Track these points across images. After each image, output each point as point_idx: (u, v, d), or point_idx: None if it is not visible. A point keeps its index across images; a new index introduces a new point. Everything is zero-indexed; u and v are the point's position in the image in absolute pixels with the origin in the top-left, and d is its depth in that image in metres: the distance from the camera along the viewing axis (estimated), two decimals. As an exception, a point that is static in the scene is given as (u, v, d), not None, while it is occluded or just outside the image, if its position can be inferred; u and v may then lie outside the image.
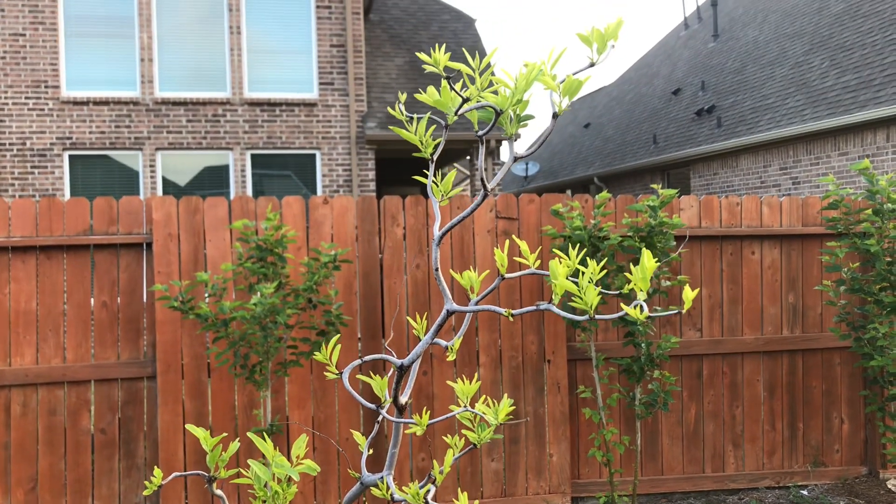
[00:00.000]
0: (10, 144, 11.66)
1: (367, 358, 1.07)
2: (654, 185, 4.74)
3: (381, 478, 0.99)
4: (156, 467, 1.10)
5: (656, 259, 4.56)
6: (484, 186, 1.01)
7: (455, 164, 19.25)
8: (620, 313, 0.91)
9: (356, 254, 5.25)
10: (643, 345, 4.54)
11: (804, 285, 5.81)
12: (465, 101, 0.99)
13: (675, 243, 4.64)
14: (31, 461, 4.88)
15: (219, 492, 1.09)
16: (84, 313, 5.00)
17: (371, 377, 1.07)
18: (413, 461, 5.23)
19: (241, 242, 4.57)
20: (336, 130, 12.68)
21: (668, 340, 4.56)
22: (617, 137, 20.39)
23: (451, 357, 1.03)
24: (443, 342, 1.03)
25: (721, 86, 16.55)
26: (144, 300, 5.06)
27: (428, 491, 0.98)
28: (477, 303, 1.00)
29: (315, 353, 4.47)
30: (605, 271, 4.58)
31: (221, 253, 5.02)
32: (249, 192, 12.48)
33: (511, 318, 0.98)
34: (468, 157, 15.61)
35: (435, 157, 1.09)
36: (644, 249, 0.92)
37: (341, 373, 1.07)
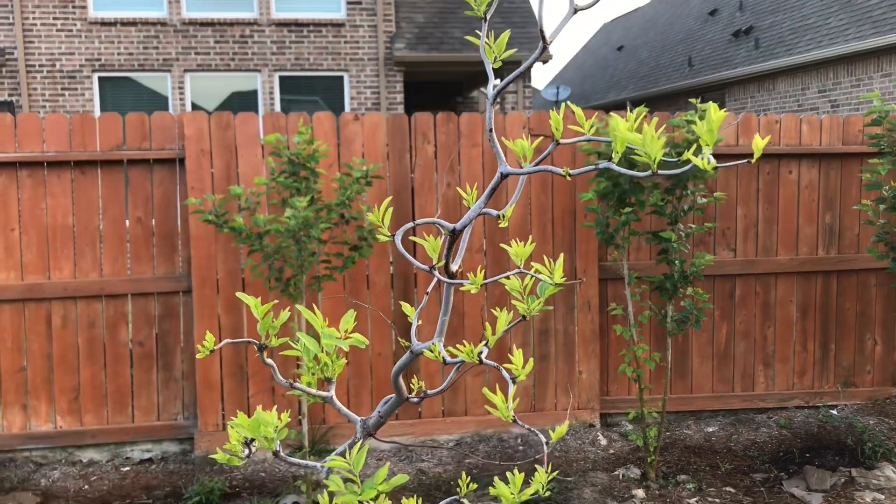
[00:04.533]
0: (39, 66, 11.65)
1: (420, 221, 1.06)
2: (693, 100, 4.62)
3: (432, 343, 0.99)
4: (208, 332, 1.11)
5: (693, 176, 4.48)
6: (543, 37, 0.97)
7: (482, 90, 18.97)
8: (688, 166, 0.88)
9: (387, 172, 5.22)
10: (677, 262, 4.50)
11: (842, 205, 5.71)
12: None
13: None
14: (72, 372, 5.02)
15: (269, 361, 1.10)
16: (119, 229, 5.06)
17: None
18: (445, 377, 5.30)
19: (274, 157, 4.56)
20: (364, 52, 12.50)
21: (702, 258, 4.52)
22: (651, 60, 19.92)
23: (502, 224, 1.02)
24: (493, 211, 1.02)
25: (760, 6, 16.01)
26: (178, 216, 5.10)
27: (481, 351, 0.98)
28: (524, 180, 0.97)
29: (348, 265, 4.49)
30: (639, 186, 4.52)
31: (253, 169, 5.02)
32: (278, 114, 12.44)
33: (569, 178, 0.96)
34: (498, 80, 15.37)
35: (488, 17, 1.04)
36: (711, 103, 0.88)
37: (394, 235, 1.06)
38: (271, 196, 4.74)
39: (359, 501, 0.94)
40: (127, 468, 4.97)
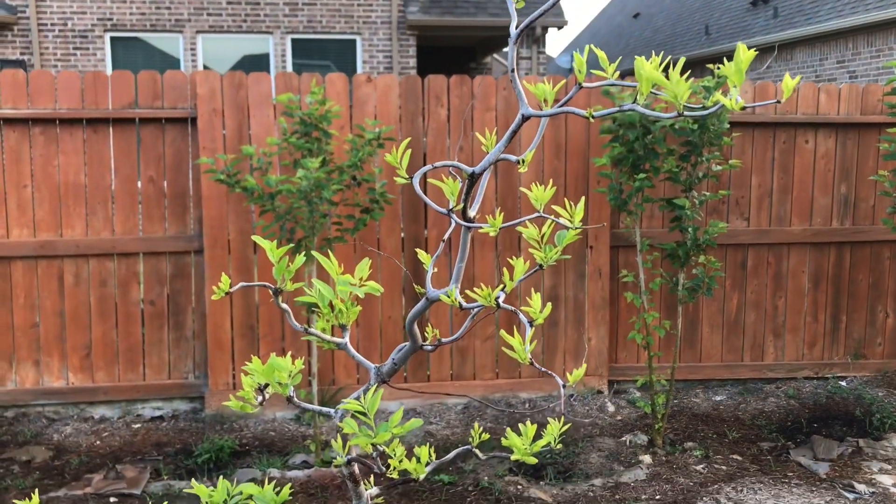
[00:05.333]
0: (51, 25, 11.60)
1: (439, 164, 1.05)
2: (710, 66, 4.55)
3: (449, 289, 0.99)
4: (223, 275, 1.11)
5: (709, 143, 4.43)
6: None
7: (495, 56, 18.80)
8: (717, 106, 0.86)
9: (399, 135, 5.19)
10: (690, 229, 4.47)
11: (858, 176, 5.65)
12: None
13: (728, 126, 4.49)
14: (84, 329, 5.05)
15: (284, 305, 1.10)
16: (131, 188, 5.06)
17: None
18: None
19: (286, 117, 4.53)
20: (377, 15, 12.38)
21: (715, 226, 4.49)
22: (667, 28, 19.67)
23: (522, 169, 1.00)
24: (512, 157, 1.00)
25: (780, -26, 15.73)
26: (190, 176, 5.10)
27: (498, 296, 0.98)
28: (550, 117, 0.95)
29: (360, 228, 4.49)
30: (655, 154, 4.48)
31: (266, 129, 5.00)
32: (290, 78, 12.35)
33: (592, 120, 0.94)
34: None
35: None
36: (739, 44, 0.86)
37: (412, 177, 1.05)
38: (283, 157, 4.72)
39: (372, 444, 0.95)
40: (138, 425, 5.02)
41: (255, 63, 12.26)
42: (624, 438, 4.79)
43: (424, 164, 5.39)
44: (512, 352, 0.97)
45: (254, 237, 1.04)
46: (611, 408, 5.29)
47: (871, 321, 5.77)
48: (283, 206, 4.28)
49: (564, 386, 0.94)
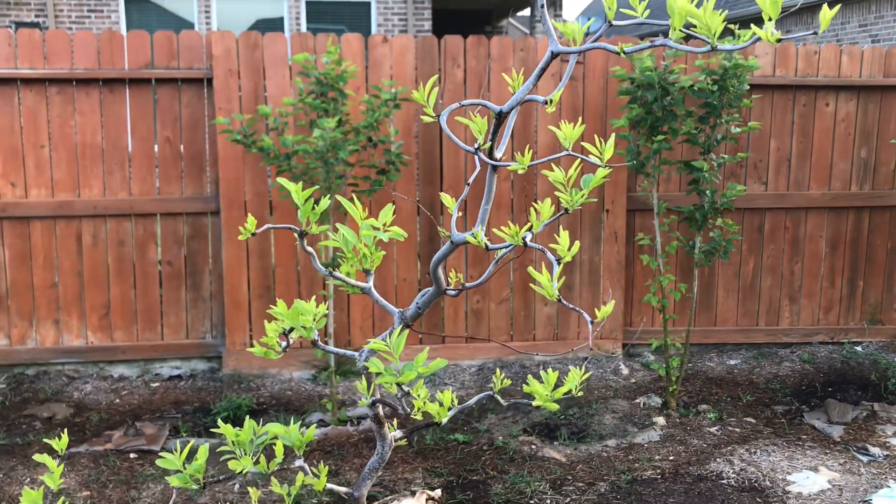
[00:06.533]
0: (65, -13, 11.55)
1: (466, 102, 1.04)
2: (731, 26, 4.48)
3: (475, 230, 0.99)
4: (250, 215, 1.11)
5: (728, 105, 4.38)
6: None
7: (510, 20, 18.59)
8: (754, 38, 0.85)
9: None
10: (707, 192, 4.44)
11: (879, 140, 5.58)
12: None
13: (748, 88, 4.44)
14: (103, 289, 5.10)
15: (309, 248, 1.10)
16: (148, 148, 5.07)
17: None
18: (468, 303, 5.33)
19: (302, 77, 4.51)
20: (392, -23, 12.25)
21: (733, 188, 4.46)
22: (685, -8, 19.37)
23: (550, 109, 1.00)
24: (540, 98, 1.00)
25: (802, -65, 15.42)
26: (206, 137, 5.10)
27: (524, 235, 0.98)
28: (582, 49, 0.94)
29: (375, 189, 4.48)
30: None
31: (281, 90, 4.98)
32: (304, 41, 12.28)
33: (623, 55, 0.93)
34: (528, 9, 15.04)
35: None
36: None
37: (439, 115, 1.05)
38: (299, 117, 4.71)
39: (397, 384, 0.95)
40: (156, 384, 5.08)
41: (269, 27, 12.18)
42: (638, 400, 4.81)
43: (440, 125, 5.38)
44: (540, 288, 0.97)
45: (279, 179, 1.05)
46: (625, 370, 5.31)
47: (889, 287, 5.74)
48: (300, 167, 4.28)
49: (592, 322, 0.94)
